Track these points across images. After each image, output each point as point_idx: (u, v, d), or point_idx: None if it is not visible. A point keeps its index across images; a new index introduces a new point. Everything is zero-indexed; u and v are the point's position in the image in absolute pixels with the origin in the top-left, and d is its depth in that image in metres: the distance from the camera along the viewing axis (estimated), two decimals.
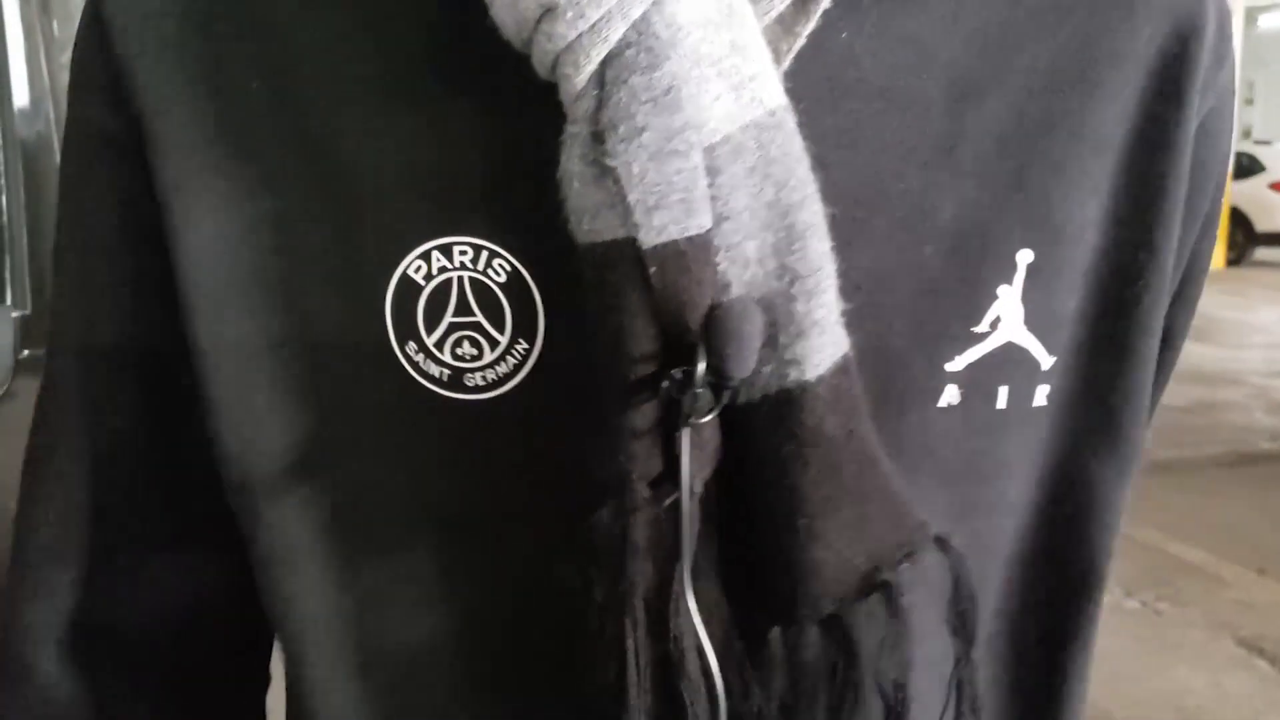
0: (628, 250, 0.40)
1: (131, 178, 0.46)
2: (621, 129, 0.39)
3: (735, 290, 0.41)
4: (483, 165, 0.44)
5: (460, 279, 0.44)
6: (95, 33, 0.46)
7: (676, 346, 0.40)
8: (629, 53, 0.40)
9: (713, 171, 0.40)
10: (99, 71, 0.46)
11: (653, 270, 0.40)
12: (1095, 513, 0.52)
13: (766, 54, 0.41)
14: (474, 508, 0.46)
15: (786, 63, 0.43)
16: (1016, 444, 0.49)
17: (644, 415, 0.40)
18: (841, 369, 0.42)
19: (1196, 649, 3.17)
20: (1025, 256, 0.46)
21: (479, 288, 0.44)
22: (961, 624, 0.45)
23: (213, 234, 0.45)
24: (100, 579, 0.52)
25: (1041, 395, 0.49)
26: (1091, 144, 0.46)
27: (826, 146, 0.42)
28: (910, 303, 0.45)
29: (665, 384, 0.40)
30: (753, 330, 0.40)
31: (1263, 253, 11.70)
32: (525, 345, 0.44)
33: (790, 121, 0.41)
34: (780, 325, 0.41)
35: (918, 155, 0.45)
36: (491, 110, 0.44)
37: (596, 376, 0.41)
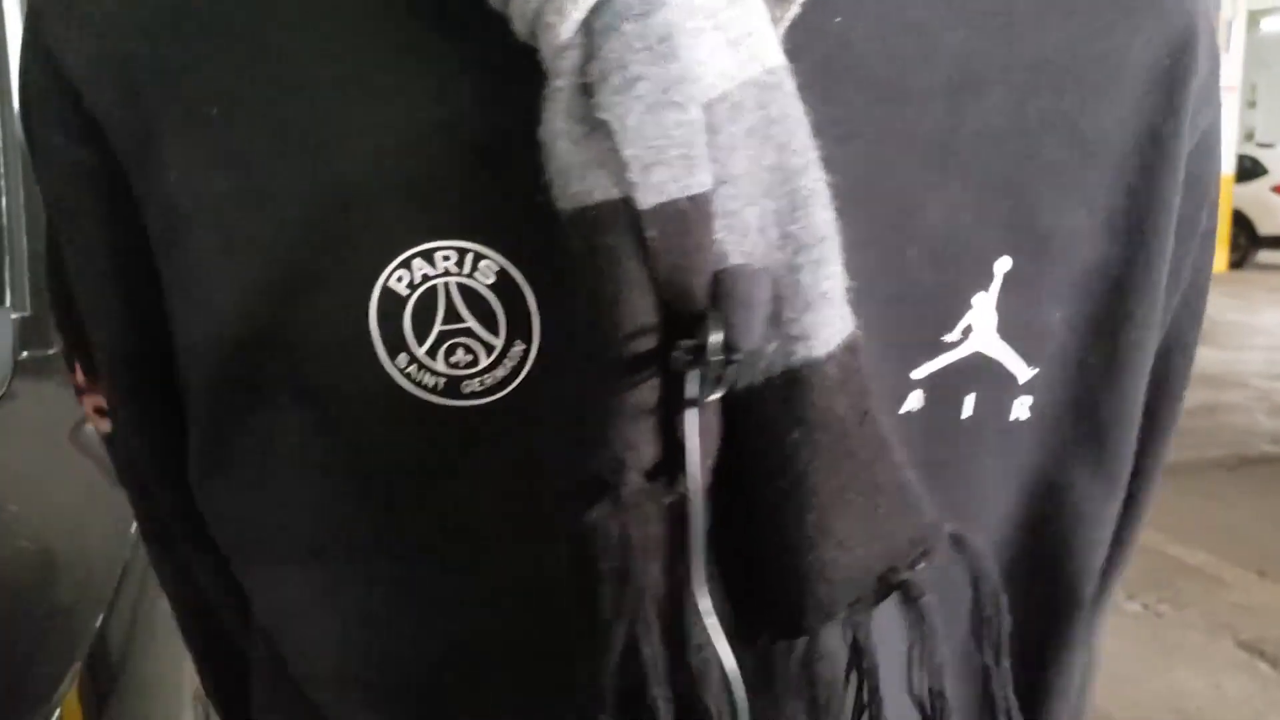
0: (622, 212, 0.36)
1: (111, 201, 0.44)
2: (614, 79, 0.36)
3: (734, 261, 0.38)
4: (458, 162, 0.41)
5: (446, 285, 0.41)
6: (45, 61, 0.43)
7: (676, 320, 0.37)
8: None
9: (710, 130, 0.37)
10: (56, 102, 0.43)
11: (651, 234, 0.36)
12: (1081, 530, 0.50)
13: (764, 12, 0.39)
14: (477, 517, 0.45)
15: (781, 30, 0.40)
16: (990, 455, 0.47)
17: (643, 396, 0.37)
18: (850, 347, 0.39)
19: (1197, 651, 3.16)
20: (1003, 265, 0.45)
21: (467, 292, 0.41)
22: (988, 631, 0.42)
23: (195, 269, 0.43)
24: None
25: (1022, 408, 0.47)
26: (1086, 150, 0.45)
27: (817, 137, 0.39)
28: (886, 307, 0.43)
29: (675, 354, 0.36)
30: (761, 297, 0.37)
31: (1265, 255, 11.68)
32: (522, 347, 0.42)
33: (790, 83, 0.39)
34: (785, 299, 0.38)
35: (912, 150, 0.43)
36: (463, 103, 0.41)
37: (587, 358, 0.38)
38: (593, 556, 0.38)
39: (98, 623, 1.01)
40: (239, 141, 0.42)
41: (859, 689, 0.41)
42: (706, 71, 0.37)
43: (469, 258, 0.41)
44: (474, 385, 0.42)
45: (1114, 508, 0.51)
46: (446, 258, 0.41)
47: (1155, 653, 3.10)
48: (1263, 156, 11.90)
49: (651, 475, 0.38)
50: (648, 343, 0.37)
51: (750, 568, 0.41)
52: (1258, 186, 11.38)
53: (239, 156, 0.42)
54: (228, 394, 0.44)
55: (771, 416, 0.39)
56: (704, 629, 0.38)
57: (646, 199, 0.36)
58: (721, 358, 0.36)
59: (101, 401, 0.53)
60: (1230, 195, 10.74)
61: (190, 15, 0.42)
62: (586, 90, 0.37)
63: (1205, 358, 6.80)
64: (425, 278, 0.41)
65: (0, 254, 1.44)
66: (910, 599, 0.40)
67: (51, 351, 1.38)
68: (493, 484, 0.44)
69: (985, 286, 0.45)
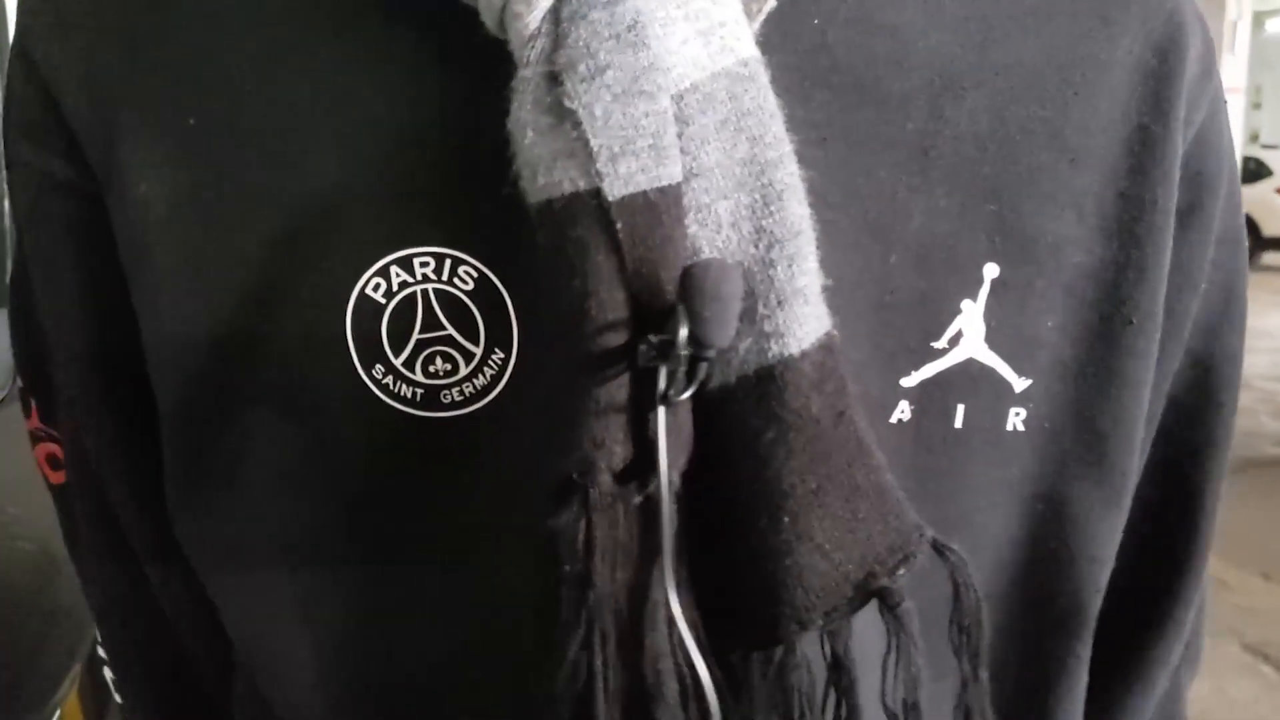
0: (590, 204, 0.36)
1: (83, 214, 0.43)
2: (581, 67, 0.36)
3: (706, 256, 0.37)
4: (434, 166, 0.40)
5: (425, 292, 0.40)
6: (30, 76, 0.43)
7: (646, 315, 0.36)
8: None
9: (681, 122, 0.36)
10: (36, 113, 0.43)
11: (619, 225, 0.35)
12: (1082, 546, 0.49)
13: (738, 4, 0.38)
14: (457, 529, 0.43)
15: (756, 25, 0.39)
16: (982, 467, 0.46)
17: (613, 392, 0.36)
18: (826, 346, 0.38)
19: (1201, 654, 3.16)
20: (991, 271, 0.44)
21: (446, 299, 0.40)
22: (966, 641, 0.41)
23: (165, 279, 0.42)
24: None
25: (1016, 419, 0.46)
26: (1071, 155, 0.44)
27: (796, 140, 0.39)
28: (871, 313, 0.43)
29: (642, 349, 0.35)
30: (733, 291, 0.36)
31: (1270, 257, 11.67)
32: (501, 355, 0.41)
33: (763, 75, 0.38)
34: (759, 295, 0.37)
35: (892, 154, 0.42)
36: (436, 105, 0.40)
37: (558, 355, 0.37)
38: (554, 560, 0.37)
39: None
40: (209, 152, 0.41)
41: (837, 703, 0.40)
42: (677, 61, 0.36)
43: (447, 263, 0.40)
44: (453, 395, 0.42)
45: (1116, 523, 0.49)
46: (424, 264, 0.40)
47: None
48: (1268, 158, 11.89)
49: (623, 477, 0.37)
50: (617, 338, 0.36)
51: (724, 575, 0.39)
52: (1263, 188, 11.37)
53: (209, 167, 0.41)
54: (200, 406, 0.43)
55: (745, 416, 0.38)
56: (667, 638, 0.37)
57: (615, 190, 0.36)
58: (690, 353, 0.35)
59: (54, 449, 0.52)
60: None
61: (161, 28, 0.42)
62: (554, 79, 0.36)
63: None
64: (403, 285, 0.40)
65: (3, 256, 1.44)
66: (889, 607, 0.39)
67: None
68: (472, 496, 0.43)
69: (973, 293, 0.44)
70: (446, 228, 0.40)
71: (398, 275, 0.40)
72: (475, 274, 0.40)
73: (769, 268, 0.37)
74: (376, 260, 0.40)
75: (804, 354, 0.38)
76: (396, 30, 0.40)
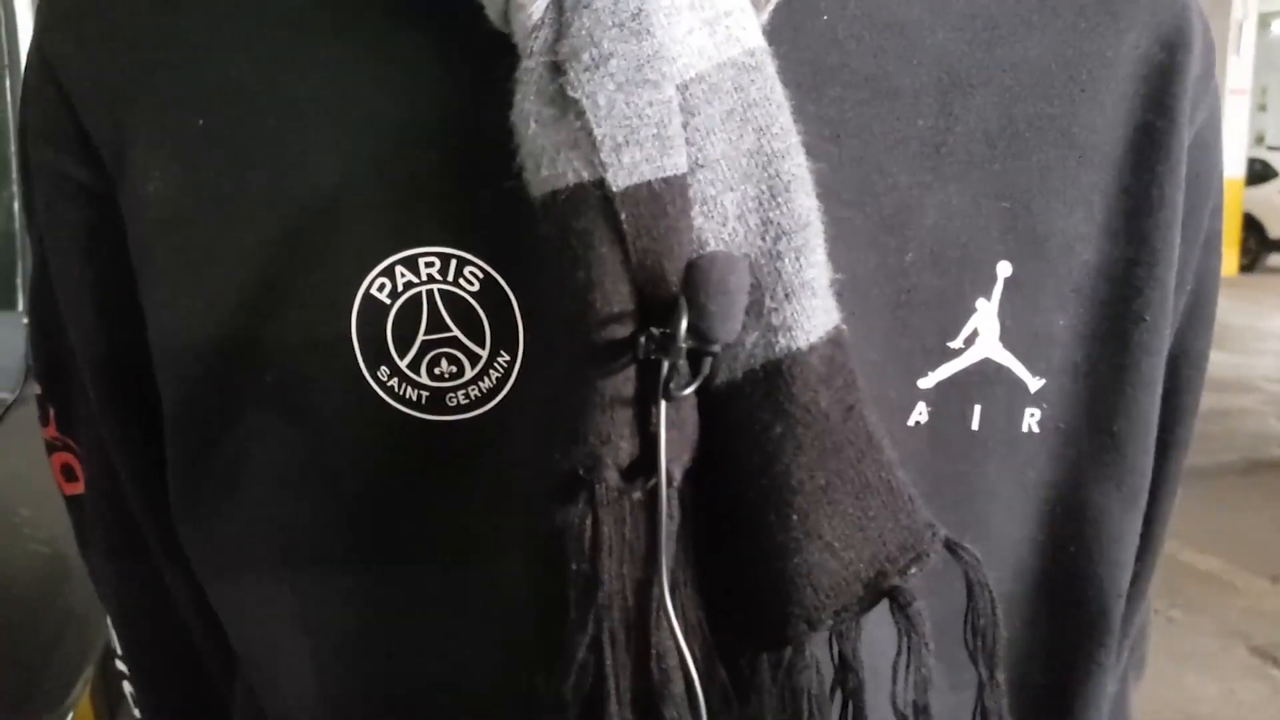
0: (594, 194, 0.35)
1: (98, 218, 0.43)
2: (585, 56, 0.35)
3: (712, 248, 0.37)
4: (438, 165, 0.40)
5: (430, 293, 0.40)
6: (48, 79, 0.43)
7: (652, 307, 0.36)
8: None
9: (686, 112, 0.36)
10: (54, 116, 0.43)
11: (624, 216, 0.35)
12: (1101, 550, 0.48)
13: None
14: (462, 534, 0.43)
15: (764, 16, 0.39)
16: (999, 469, 0.46)
17: (617, 386, 0.35)
18: (834, 340, 0.38)
19: (1208, 657, 3.15)
20: (1004, 269, 0.43)
21: (451, 300, 0.40)
22: (982, 643, 0.40)
23: (171, 279, 0.42)
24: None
25: (1031, 420, 0.45)
26: (1079, 152, 0.44)
27: (808, 136, 0.38)
28: (888, 312, 0.42)
29: (642, 341, 0.35)
30: (739, 284, 0.36)
31: (1275, 259, 11.63)
32: (507, 358, 0.41)
33: (770, 65, 0.37)
34: (766, 288, 0.37)
35: (905, 150, 0.42)
36: (440, 104, 0.40)
37: (563, 350, 0.36)
38: (561, 559, 0.36)
39: (110, 627, 1.01)
40: (214, 152, 0.41)
41: (844, 704, 0.40)
42: (682, 51, 0.36)
43: (453, 264, 0.40)
44: (459, 398, 0.41)
45: (1134, 524, 0.48)
46: (430, 264, 0.40)
47: (1167, 659, 3.09)
48: (1273, 160, 11.86)
49: (629, 473, 0.36)
50: (622, 331, 0.35)
51: (733, 573, 0.39)
52: (1268, 190, 11.33)
53: (213, 167, 0.41)
54: (201, 408, 0.43)
55: (752, 411, 0.37)
56: (669, 637, 0.37)
57: (619, 180, 0.35)
58: (690, 345, 0.35)
59: (69, 459, 0.52)
60: (1240, 198, 10.70)
61: (170, 29, 0.42)
62: (557, 69, 0.36)
63: (1216, 362, 6.72)
64: (408, 285, 0.40)
65: (13, 258, 1.45)
66: (900, 607, 0.38)
67: None
68: (476, 499, 0.43)
69: (987, 291, 0.44)
70: (452, 227, 0.40)
71: (403, 275, 0.40)
72: (481, 275, 0.40)
73: (776, 260, 0.37)
74: (381, 260, 0.40)
75: (812, 348, 0.37)
76: (398, 28, 0.40)
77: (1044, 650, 0.49)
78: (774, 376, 0.37)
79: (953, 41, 0.43)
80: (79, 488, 0.53)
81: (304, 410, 0.42)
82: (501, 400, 0.41)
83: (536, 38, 0.36)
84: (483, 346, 0.41)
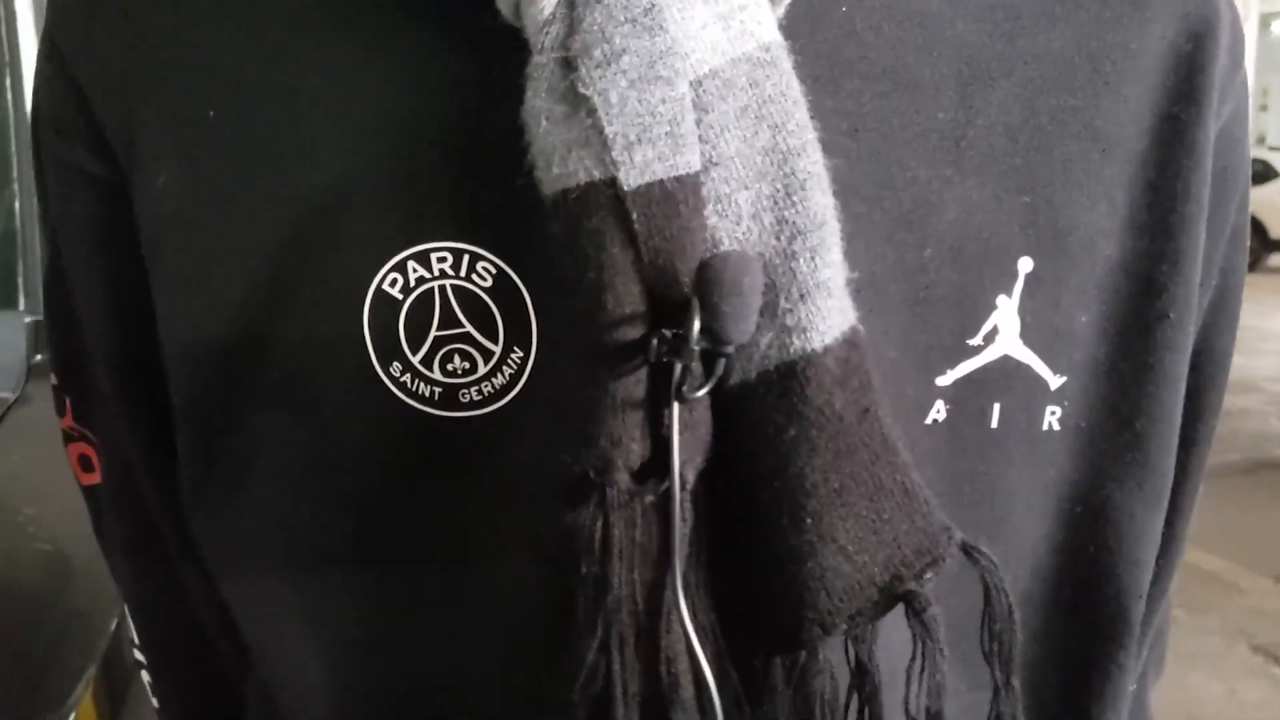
0: (606, 193, 0.35)
1: (112, 210, 0.43)
2: (597, 53, 0.35)
3: (726, 248, 0.36)
4: (449, 160, 0.40)
5: (442, 288, 0.40)
6: (60, 71, 0.43)
7: (664, 308, 0.35)
8: None
9: (700, 109, 0.36)
10: (68, 110, 0.43)
11: (635, 216, 0.35)
12: (1122, 549, 0.47)
13: None
14: (474, 533, 0.43)
15: (780, 10, 0.38)
16: (1019, 468, 0.45)
17: (628, 388, 0.35)
18: (850, 341, 0.37)
19: (1212, 657, 3.14)
20: (1025, 265, 0.43)
21: (464, 296, 0.40)
22: (998, 647, 0.40)
23: (181, 274, 0.42)
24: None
25: (1051, 417, 0.45)
26: (1102, 145, 0.43)
27: (826, 131, 0.37)
28: (905, 310, 0.42)
29: (654, 343, 0.34)
30: (753, 284, 0.35)
31: (1277, 259, 11.62)
32: (520, 354, 0.40)
33: (785, 60, 0.37)
34: (780, 288, 0.36)
35: (925, 144, 0.41)
36: (451, 98, 0.39)
37: (575, 351, 0.36)
38: (572, 561, 0.36)
39: (113, 626, 1.02)
40: (222, 147, 0.41)
41: (861, 708, 0.39)
42: (696, 46, 0.36)
43: (465, 259, 0.40)
44: (471, 394, 0.41)
45: (1156, 525, 0.48)
46: (442, 259, 0.40)
47: (1170, 658, 3.09)
48: (1274, 160, 11.85)
49: (641, 476, 0.36)
50: (633, 332, 0.35)
51: (746, 577, 0.39)
52: (1270, 190, 11.32)
53: (221, 162, 0.41)
54: (210, 404, 0.43)
55: (766, 413, 0.37)
56: (680, 640, 0.36)
57: (630, 179, 0.35)
58: (703, 347, 0.34)
59: (86, 449, 0.52)
60: None
61: (180, 22, 0.42)
62: (569, 66, 0.35)
63: None
64: (420, 281, 0.40)
65: (13, 258, 1.45)
66: (915, 612, 0.38)
67: None
68: (487, 497, 0.43)
69: (1008, 288, 0.43)
70: (464, 223, 0.40)
71: (415, 271, 0.40)
72: (493, 270, 0.40)
73: (791, 260, 0.36)
74: (393, 255, 0.40)
75: (827, 349, 0.37)
76: (407, 22, 0.40)
77: (1063, 651, 0.49)
78: (788, 378, 0.37)
79: (973, 33, 0.42)
80: (96, 478, 0.53)
81: (314, 406, 0.42)
82: (515, 396, 0.41)
83: (548, 33, 0.36)
84: (496, 342, 0.40)
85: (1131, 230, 0.45)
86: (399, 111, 0.40)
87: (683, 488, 0.36)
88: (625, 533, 0.36)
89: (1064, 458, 0.46)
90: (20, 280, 1.45)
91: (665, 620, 0.36)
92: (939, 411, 0.44)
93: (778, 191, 0.36)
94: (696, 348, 0.34)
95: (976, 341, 0.43)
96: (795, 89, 0.37)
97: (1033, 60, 0.43)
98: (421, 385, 0.41)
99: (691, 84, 0.36)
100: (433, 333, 0.40)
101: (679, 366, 0.35)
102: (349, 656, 0.45)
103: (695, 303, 0.34)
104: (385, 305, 0.40)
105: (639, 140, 0.35)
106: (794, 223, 0.36)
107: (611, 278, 0.35)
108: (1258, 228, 11.50)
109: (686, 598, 0.36)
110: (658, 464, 0.36)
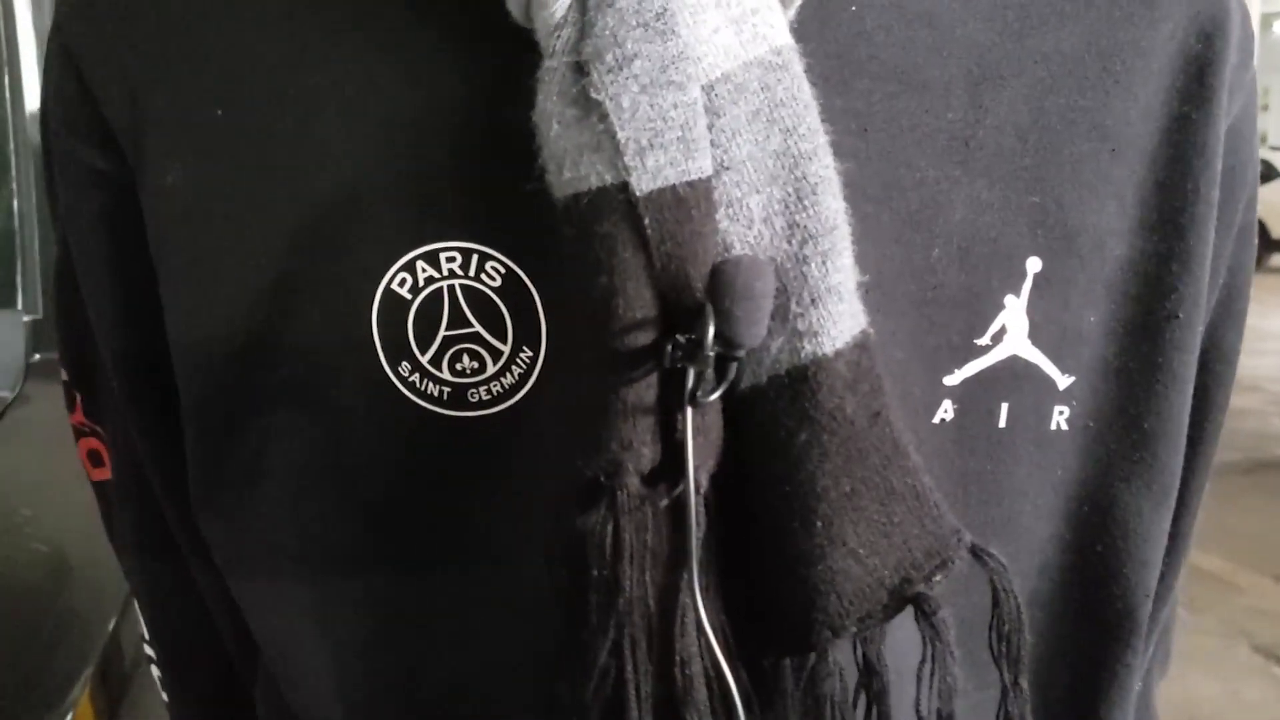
0: (617, 198, 0.35)
1: (121, 208, 0.43)
2: (608, 57, 0.35)
3: (737, 252, 0.36)
4: (459, 160, 0.40)
5: (451, 288, 0.40)
6: (68, 67, 0.43)
7: (675, 313, 0.35)
8: None
9: (711, 113, 0.36)
10: (76, 107, 0.43)
11: (647, 221, 0.35)
12: (1130, 549, 0.47)
13: None
14: (483, 533, 0.43)
15: (790, 13, 0.38)
16: (1027, 467, 0.45)
17: (641, 393, 0.35)
18: (861, 345, 0.37)
19: (1212, 657, 3.14)
20: (1034, 265, 0.43)
21: (473, 295, 0.40)
22: (1007, 648, 0.40)
23: (189, 274, 0.42)
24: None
25: (1060, 417, 0.45)
26: (1112, 145, 0.43)
27: (835, 131, 0.38)
28: (913, 310, 0.42)
29: (669, 349, 0.35)
30: (765, 289, 0.35)
31: (1278, 259, 11.64)
32: (529, 353, 0.40)
33: (797, 64, 0.37)
34: (791, 292, 0.36)
35: (934, 144, 0.41)
36: (461, 98, 0.39)
37: (586, 355, 0.36)
38: (583, 565, 0.36)
39: (110, 626, 1.01)
40: (232, 145, 0.41)
41: (869, 708, 0.39)
42: (707, 50, 0.36)
43: (474, 259, 0.40)
44: (480, 394, 0.41)
45: (1163, 523, 0.48)
46: (451, 259, 0.40)
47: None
48: (1276, 160, 11.87)
49: (651, 480, 0.36)
50: (645, 337, 0.35)
51: (756, 579, 0.39)
52: (1270, 190, 11.34)
53: (231, 160, 0.41)
54: (219, 404, 0.43)
55: (777, 417, 0.37)
56: (694, 643, 0.36)
57: (642, 184, 0.35)
58: (718, 353, 0.35)
59: (96, 445, 0.52)
60: None
61: (190, 20, 0.42)
62: (581, 70, 0.35)
63: None
64: (429, 280, 0.40)
65: (12, 257, 1.45)
66: (925, 614, 0.38)
67: None
68: (497, 498, 0.43)
69: (1016, 288, 0.43)
70: (473, 223, 0.40)
71: (424, 270, 0.40)
72: (503, 270, 0.40)
73: (802, 264, 0.36)
74: (402, 255, 0.40)
75: (838, 353, 0.37)
76: (418, 21, 0.40)
77: (1070, 650, 0.49)
78: (799, 382, 0.37)
79: (983, 32, 0.42)
80: (106, 474, 0.53)
81: (323, 406, 0.42)
82: (524, 396, 0.41)
83: (559, 36, 0.36)
84: (505, 342, 0.40)
85: (1141, 230, 0.44)
86: (409, 110, 0.40)
87: (697, 492, 0.36)
88: (636, 536, 0.36)
89: (1072, 457, 0.46)
90: (19, 279, 1.44)
91: (679, 623, 0.36)
92: (947, 411, 0.44)
93: (789, 196, 0.36)
94: (710, 353, 0.34)
95: (984, 341, 0.44)
96: (806, 93, 0.37)
97: (1042, 60, 0.43)
98: (430, 385, 0.41)
99: (703, 88, 0.36)
100: (442, 332, 0.40)
101: (693, 371, 0.35)
102: (359, 656, 0.45)
103: (709, 308, 0.34)
104: (394, 305, 0.40)
105: (651, 145, 0.35)
106: (805, 227, 0.37)
107: (623, 282, 0.35)
108: (1260, 227, 11.50)
109: (705, 600, 0.37)
110: (668, 468, 0.36)
